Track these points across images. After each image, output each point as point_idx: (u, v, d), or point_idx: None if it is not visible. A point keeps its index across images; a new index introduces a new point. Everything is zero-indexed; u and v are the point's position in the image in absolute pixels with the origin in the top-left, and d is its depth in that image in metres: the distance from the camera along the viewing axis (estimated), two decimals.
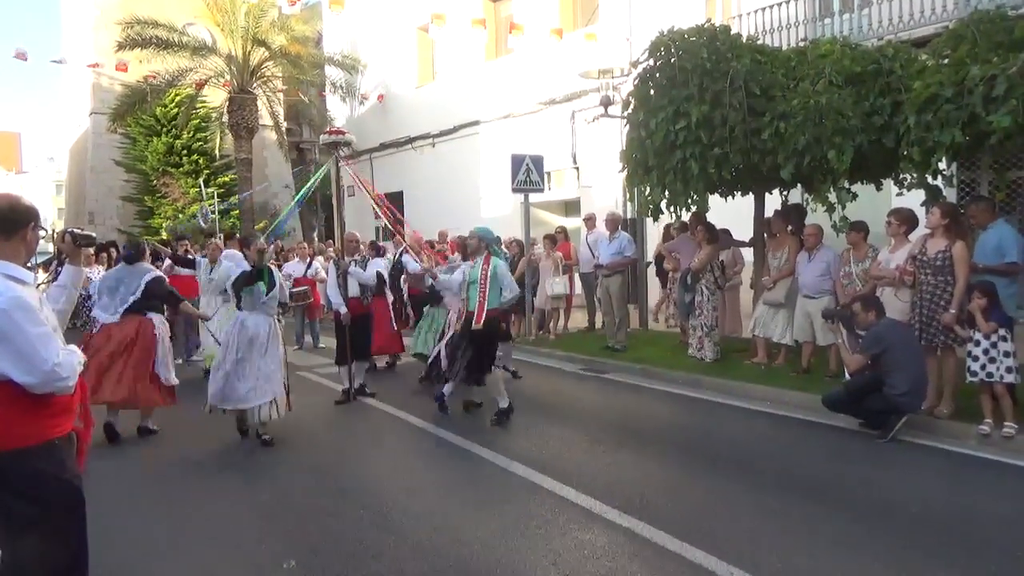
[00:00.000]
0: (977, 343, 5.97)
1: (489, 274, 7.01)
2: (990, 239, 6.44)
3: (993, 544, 4.13)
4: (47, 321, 2.73)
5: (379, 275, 8.78)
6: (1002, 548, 4.09)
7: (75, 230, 3.18)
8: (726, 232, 10.14)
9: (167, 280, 7.47)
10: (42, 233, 2.94)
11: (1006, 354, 5.86)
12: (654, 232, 12.79)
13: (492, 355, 7.23)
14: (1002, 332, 5.88)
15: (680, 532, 4.30)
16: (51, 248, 19.42)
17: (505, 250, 12.02)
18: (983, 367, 5.94)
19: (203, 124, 25.32)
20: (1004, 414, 5.89)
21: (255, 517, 4.88)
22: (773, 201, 9.34)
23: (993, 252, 6.34)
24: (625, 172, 8.99)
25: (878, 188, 8.47)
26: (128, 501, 5.24)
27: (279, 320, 7.01)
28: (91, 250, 3.27)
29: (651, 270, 12.58)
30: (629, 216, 13.18)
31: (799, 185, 8.55)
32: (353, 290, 8.31)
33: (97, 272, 11.14)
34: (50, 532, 2.72)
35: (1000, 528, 4.35)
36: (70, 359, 2.73)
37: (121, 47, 20.11)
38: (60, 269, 3.29)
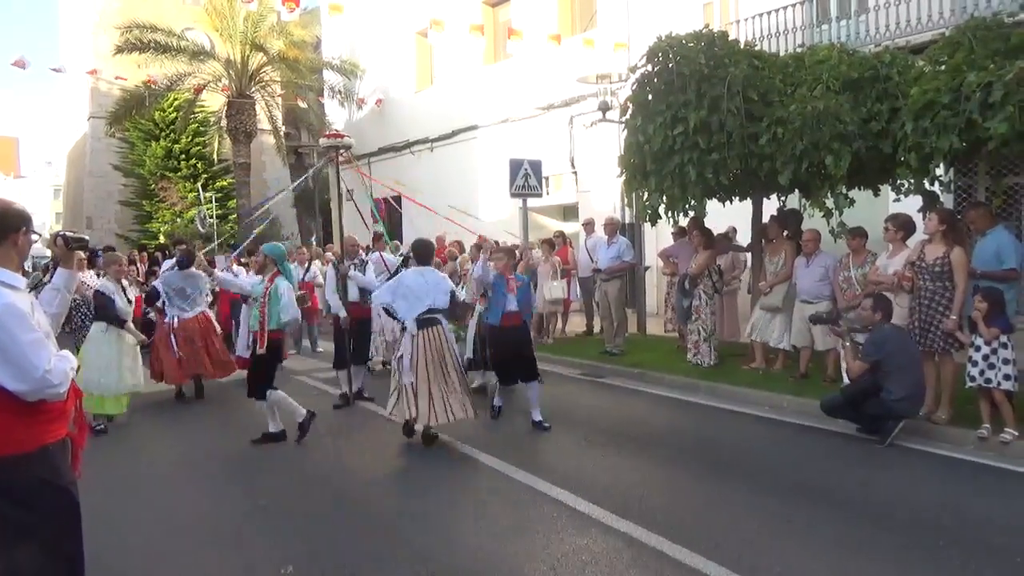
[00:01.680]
0: (977, 348, 5.97)
1: (270, 293, 6.62)
2: (989, 245, 6.44)
3: (990, 549, 4.13)
4: (39, 327, 2.70)
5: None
6: (999, 553, 4.08)
7: (67, 233, 3.15)
8: (724, 236, 10.15)
9: None
10: (35, 237, 2.92)
11: (1005, 361, 5.86)
12: (652, 237, 12.81)
13: (266, 376, 6.69)
14: (1003, 339, 5.89)
15: (678, 537, 4.30)
16: (49, 253, 19.39)
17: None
18: (982, 372, 5.94)
19: (201, 128, 25.35)
20: (1004, 420, 5.89)
21: (253, 522, 4.87)
22: (771, 206, 9.36)
23: (992, 258, 6.34)
24: (623, 177, 9.01)
25: (875, 194, 8.49)
26: (125, 506, 5.22)
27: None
28: (83, 254, 3.24)
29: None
30: (627, 221, 13.20)
31: (797, 190, 8.56)
32: (352, 294, 8.30)
33: (91, 276, 11.08)
34: (46, 538, 2.70)
35: (997, 533, 4.34)
36: (61, 365, 2.70)
37: (120, 51, 20.13)
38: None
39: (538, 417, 6.98)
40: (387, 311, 6.71)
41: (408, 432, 6.69)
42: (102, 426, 7.29)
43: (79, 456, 2.94)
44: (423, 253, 6.67)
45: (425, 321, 6.35)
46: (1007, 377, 5.85)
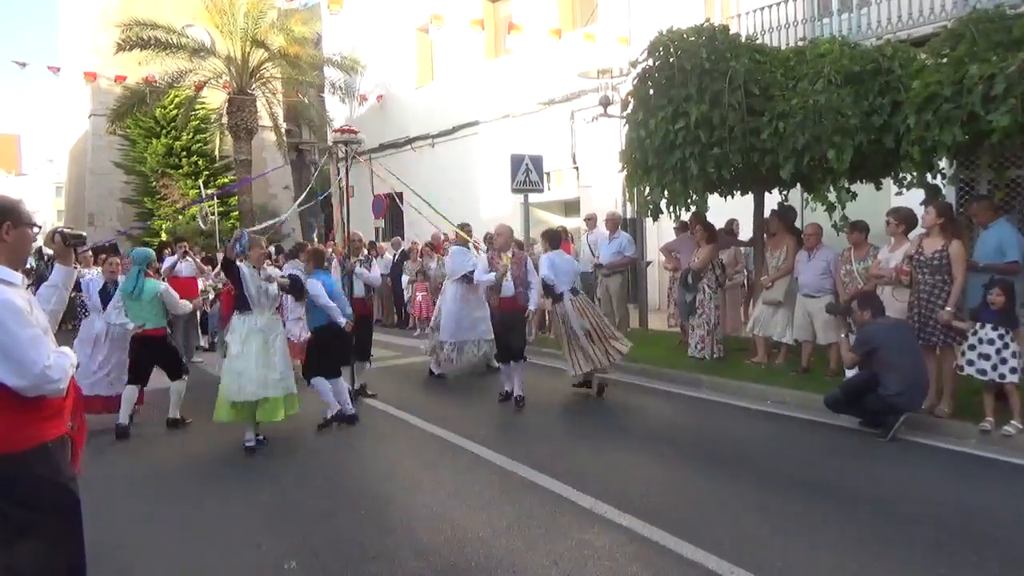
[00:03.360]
0: (980, 341, 5.94)
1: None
2: (991, 238, 6.44)
3: (994, 543, 4.12)
4: (37, 323, 2.68)
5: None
6: (1003, 547, 4.08)
7: (65, 230, 3.11)
8: (728, 231, 10.14)
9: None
10: (35, 230, 2.87)
11: (1014, 354, 5.84)
12: (654, 232, 12.80)
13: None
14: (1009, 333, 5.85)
15: (681, 531, 4.29)
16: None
17: None
18: (995, 367, 5.86)
19: (202, 125, 25.31)
20: (1012, 413, 5.85)
21: (255, 518, 4.88)
22: (773, 201, 9.34)
23: (994, 251, 6.34)
24: (624, 172, 8.99)
25: (877, 187, 8.46)
26: (126, 503, 5.23)
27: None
28: (88, 250, 3.22)
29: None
30: (629, 216, 13.18)
31: (799, 185, 8.54)
32: (358, 290, 8.27)
33: (96, 273, 11.10)
34: (47, 536, 2.68)
35: (1001, 527, 4.34)
36: (61, 361, 2.67)
37: (120, 48, 20.10)
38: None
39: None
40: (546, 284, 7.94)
41: (585, 384, 8.11)
42: (252, 442, 6.36)
43: (79, 453, 2.93)
44: (553, 239, 8.27)
45: (573, 290, 7.93)
46: (1013, 371, 5.84)
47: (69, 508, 2.77)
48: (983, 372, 5.93)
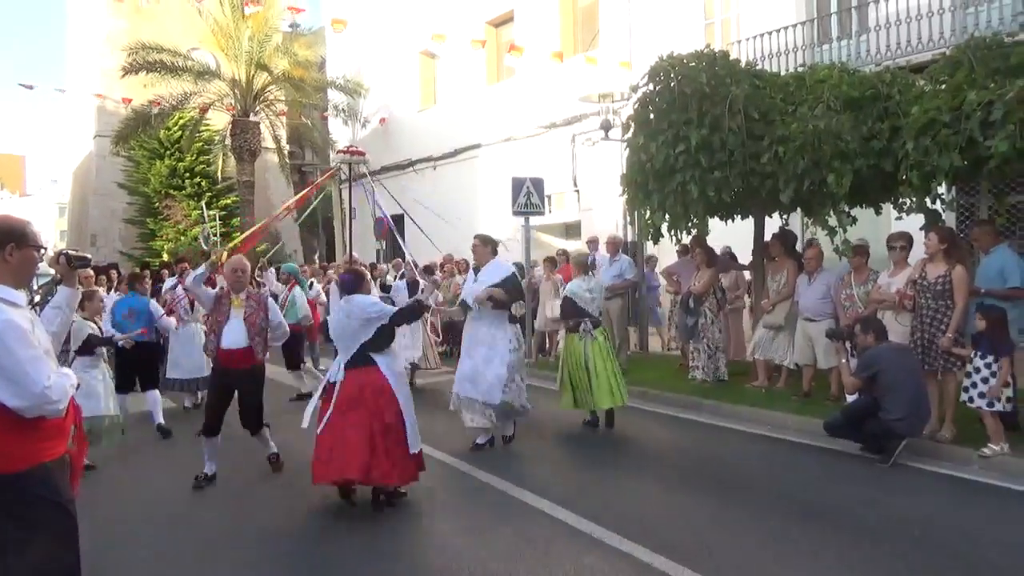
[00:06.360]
0: (977, 370, 5.94)
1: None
2: (992, 263, 6.45)
3: (994, 569, 4.10)
4: (39, 343, 2.70)
5: None
6: (1003, 573, 4.05)
7: (70, 251, 3.15)
8: (730, 255, 10.15)
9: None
10: (41, 252, 2.89)
11: (1006, 383, 5.84)
12: (654, 255, 12.81)
13: None
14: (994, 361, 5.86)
15: (681, 556, 4.26)
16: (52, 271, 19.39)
17: None
18: (964, 389, 5.94)
19: (206, 147, 25.48)
20: (989, 436, 5.88)
21: (250, 540, 4.84)
22: (773, 225, 9.37)
23: (996, 276, 6.35)
24: (625, 195, 9.03)
25: (877, 212, 8.49)
26: (122, 524, 5.20)
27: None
28: (89, 272, 3.25)
29: None
30: (630, 239, 13.22)
31: (799, 209, 8.57)
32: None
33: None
34: (43, 556, 2.68)
35: (1001, 552, 4.31)
36: (61, 382, 2.69)
37: (126, 72, 20.31)
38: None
39: None
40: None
41: None
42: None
43: (78, 474, 2.93)
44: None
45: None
46: (1009, 399, 5.85)
47: (66, 528, 2.76)
48: (971, 400, 5.97)
